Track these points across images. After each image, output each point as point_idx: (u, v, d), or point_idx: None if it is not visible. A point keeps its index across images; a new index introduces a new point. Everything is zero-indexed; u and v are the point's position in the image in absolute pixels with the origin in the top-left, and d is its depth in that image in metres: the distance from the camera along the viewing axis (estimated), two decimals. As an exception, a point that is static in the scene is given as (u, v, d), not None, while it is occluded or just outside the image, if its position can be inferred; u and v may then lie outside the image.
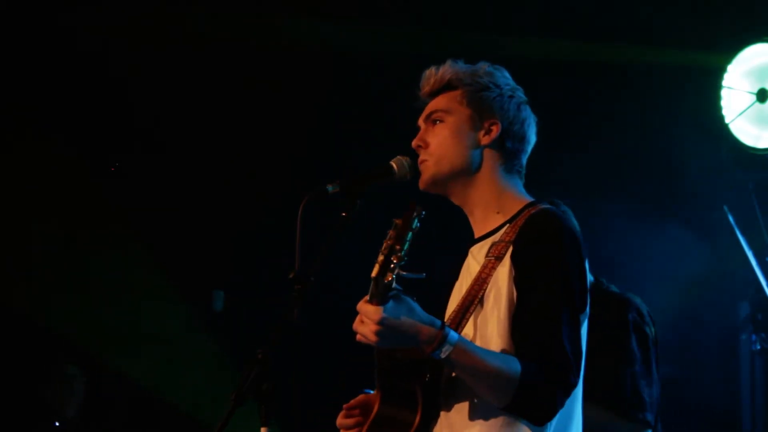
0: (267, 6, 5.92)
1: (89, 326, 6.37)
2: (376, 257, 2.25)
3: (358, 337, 2.33)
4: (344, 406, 2.68)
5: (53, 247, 6.33)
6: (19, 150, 6.14)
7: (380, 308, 2.27)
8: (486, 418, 2.45)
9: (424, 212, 2.30)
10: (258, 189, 6.19)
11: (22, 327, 6.33)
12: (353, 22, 5.93)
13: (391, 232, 2.25)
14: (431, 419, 2.49)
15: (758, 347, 5.29)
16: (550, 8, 5.66)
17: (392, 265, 2.23)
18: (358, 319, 2.32)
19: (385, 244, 2.25)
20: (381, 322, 2.27)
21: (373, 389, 2.72)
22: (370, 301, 2.29)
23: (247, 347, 2.47)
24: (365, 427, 2.53)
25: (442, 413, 2.50)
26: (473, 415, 2.46)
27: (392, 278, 2.23)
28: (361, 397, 2.70)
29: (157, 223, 6.37)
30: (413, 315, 2.31)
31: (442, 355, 2.31)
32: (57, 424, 6.07)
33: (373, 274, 2.25)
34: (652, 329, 3.74)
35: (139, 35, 5.87)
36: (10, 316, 6.29)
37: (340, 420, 2.67)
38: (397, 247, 2.23)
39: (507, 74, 2.73)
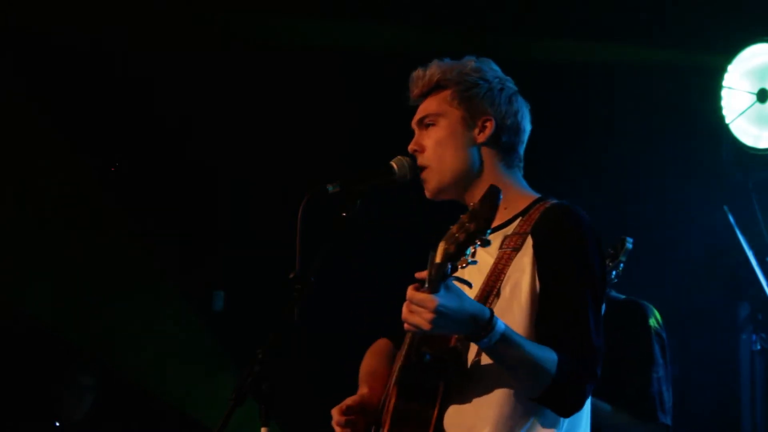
0: (265, 5, 5.92)
1: (89, 326, 6.37)
2: (437, 243, 2.23)
3: (406, 326, 2.31)
4: (343, 405, 2.68)
5: (53, 247, 6.33)
6: (19, 150, 6.14)
7: (434, 296, 2.25)
8: (501, 411, 2.46)
9: (501, 196, 2.29)
10: (258, 189, 6.19)
11: (22, 327, 6.33)
12: (353, 22, 5.93)
13: (464, 217, 2.23)
14: (446, 409, 2.49)
15: (758, 347, 5.28)
16: (550, 8, 5.66)
17: (474, 248, 2.21)
18: (406, 307, 2.30)
19: (456, 229, 2.22)
20: (436, 310, 2.25)
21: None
22: (422, 289, 2.28)
23: (247, 347, 2.47)
24: (387, 424, 2.51)
25: (458, 407, 2.50)
26: (489, 409, 2.47)
27: (467, 263, 2.23)
28: (348, 400, 2.70)
29: (157, 223, 6.37)
30: (464, 303, 2.31)
31: (489, 344, 2.31)
32: (57, 424, 6.08)
33: (437, 259, 2.23)
34: (665, 334, 3.78)
35: (139, 34, 5.87)
36: (10, 316, 6.29)
37: (338, 416, 2.67)
38: (481, 228, 2.20)
39: (494, 65, 2.74)
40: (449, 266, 2.23)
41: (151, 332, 6.42)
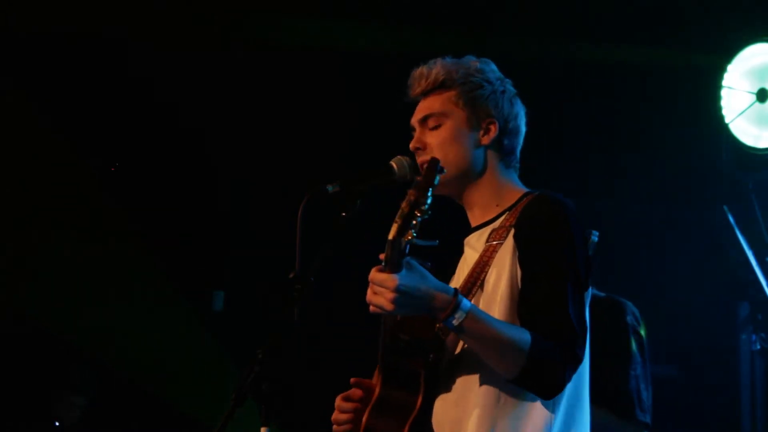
0: (265, 5, 5.92)
1: (89, 326, 6.37)
2: (392, 222, 2.23)
3: (371, 308, 2.31)
4: (340, 395, 2.68)
5: (53, 247, 6.33)
6: (19, 150, 6.14)
7: (395, 275, 2.26)
8: (489, 397, 2.46)
9: (444, 169, 2.30)
10: (258, 189, 6.19)
11: (21, 327, 6.33)
12: (353, 22, 5.93)
13: (410, 191, 2.24)
14: (433, 400, 2.50)
15: (758, 347, 5.28)
16: (550, 8, 5.66)
17: (414, 221, 2.21)
18: (370, 290, 2.30)
19: (403, 204, 2.23)
20: (397, 289, 2.25)
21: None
22: (384, 269, 2.28)
23: (247, 347, 2.47)
24: (367, 411, 2.53)
25: (444, 394, 2.51)
26: (476, 395, 2.47)
27: (413, 236, 2.21)
28: (355, 389, 2.69)
29: (157, 223, 6.37)
30: (427, 282, 2.31)
31: (455, 323, 2.31)
32: (57, 424, 6.08)
33: (390, 236, 2.23)
34: (644, 331, 3.78)
35: (139, 34, 5.87)
36: (10, 317, 6.29)
37: (335, 415, 2.67)
38: (421, 200, 2.21)
39: (494, 67, 2.75)
40: (405, 243, 2.23)
41: (151, 332, 6.42)
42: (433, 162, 2.28)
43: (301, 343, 2.44)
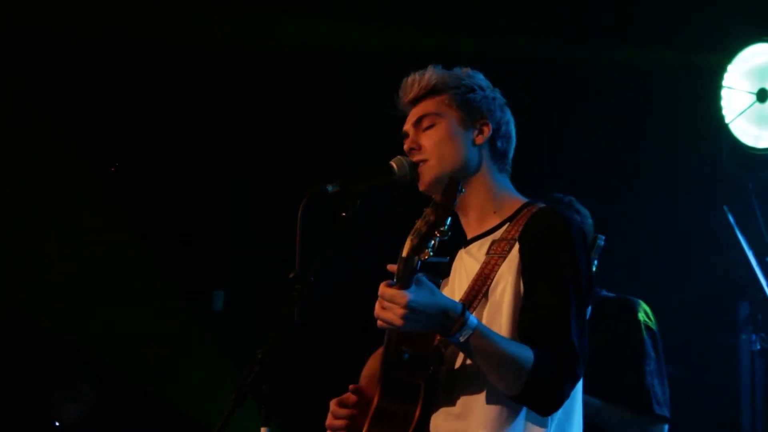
0: (265, 5, 5.92)
1: (89, 326, 6.37)
2: (406, 238, 2.23)
3: (379, 323, 2.32)
4: (334, 400, 2.68)
5: (53, 247, 6.33)
6: (19, 150, 6.14)
7: (405, 292, 2.26)
8: (487, 411, 2.46)
9: (464, 189, 2.29)
10: (258, 189, 6.19)
11: (22, 327, 6.33)
12: (353, 22, 5.93)
13: (428, 210, 2.24)
14: (431, 413, 2.50)
15: (758, 347, 5.28)
16: (549, 8, 5.66)
17: (433, 241, 2.21)
18: (378, 304, 2.30)
19: (419, 223, 2.23)
20: (408, 306, 2.26)
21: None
22: (393, 285, 2.28)
23: (247, 347, 2.47)
24: (366, 422, 2.52)
25: (445, 407, 2.51)
26: (480, 409, 2.47)
27: (429, 256, 2.22)
28: (349, 395, 2.70)
29: (156, 222, 6.37)
30: (436, 298, 2.32)
31: (462, 339, 2.32)
32: (57, 424, 6.08)
33: (404, 253, 2.24)
34: (657, 327, 3.82)
35: (139, 34, 5.87)
36: (10, 317, 6.29)
37: (329, 420, 2.67)
38: (441, 220, 2.20)
39: (482, 76, 2.77)
40: (418, 261, 2.23)
41: (151, 332, 6.42)
42: (453, 182, 2.27)
43: (301, 343, 2.43)
